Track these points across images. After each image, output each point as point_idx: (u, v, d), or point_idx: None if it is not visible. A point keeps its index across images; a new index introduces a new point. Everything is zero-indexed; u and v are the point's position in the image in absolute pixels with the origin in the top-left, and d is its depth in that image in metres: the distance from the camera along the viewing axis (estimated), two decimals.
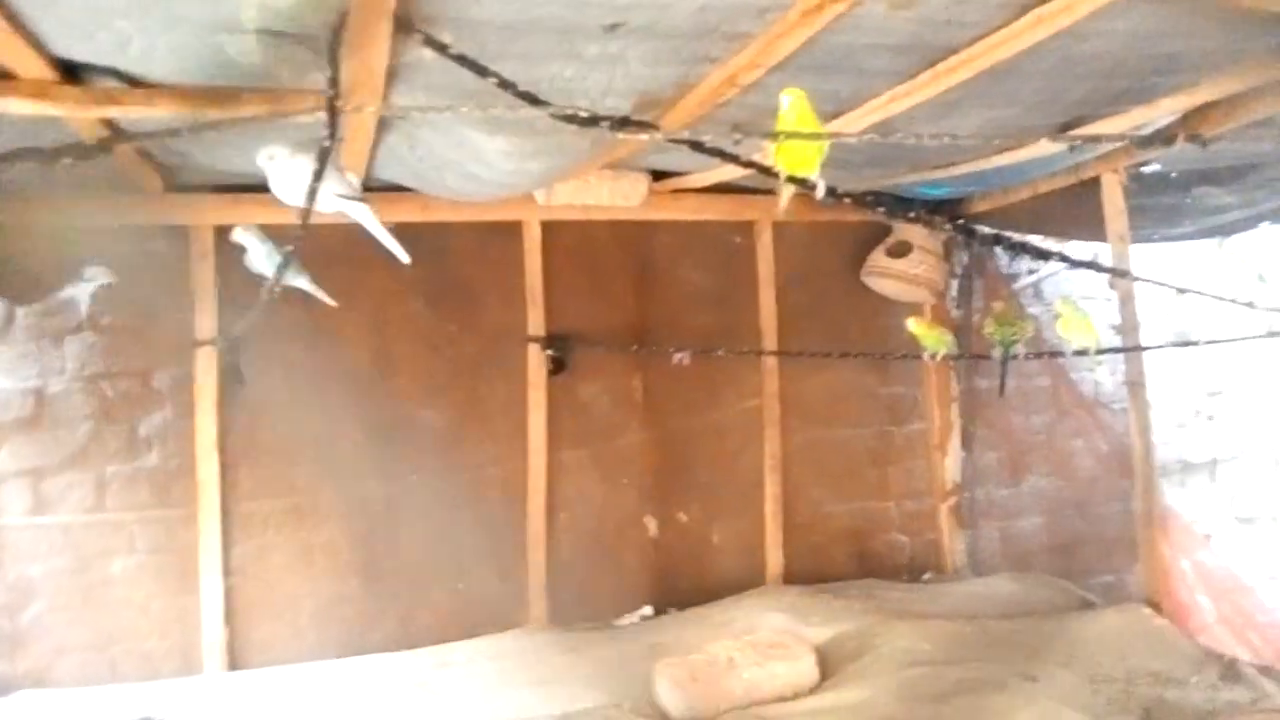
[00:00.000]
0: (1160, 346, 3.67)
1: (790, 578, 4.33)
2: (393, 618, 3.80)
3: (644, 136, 1.82)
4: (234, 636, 3.57)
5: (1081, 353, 3.35)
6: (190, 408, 3.56)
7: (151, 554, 3.54)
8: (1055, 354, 3.69)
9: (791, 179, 1.88)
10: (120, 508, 3.53)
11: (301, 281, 3.20)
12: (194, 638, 3.53)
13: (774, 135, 1.87)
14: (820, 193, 1.84)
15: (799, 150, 1.88)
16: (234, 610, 3.58)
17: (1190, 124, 2.81)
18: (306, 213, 2.16)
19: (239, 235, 3.21)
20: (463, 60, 1.81)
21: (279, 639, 3.64)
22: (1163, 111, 2.73)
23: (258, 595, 3.64)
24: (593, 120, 1.74)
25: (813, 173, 1.88)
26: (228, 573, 3.58)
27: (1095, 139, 2.42)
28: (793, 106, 1.86)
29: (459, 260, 3.97)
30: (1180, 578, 3.68)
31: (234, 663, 3.56)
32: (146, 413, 3.57)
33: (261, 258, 3.16)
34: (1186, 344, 3.62)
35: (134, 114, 2.30)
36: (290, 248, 2.26)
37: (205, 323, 3.56)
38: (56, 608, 3.43)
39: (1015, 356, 3.35)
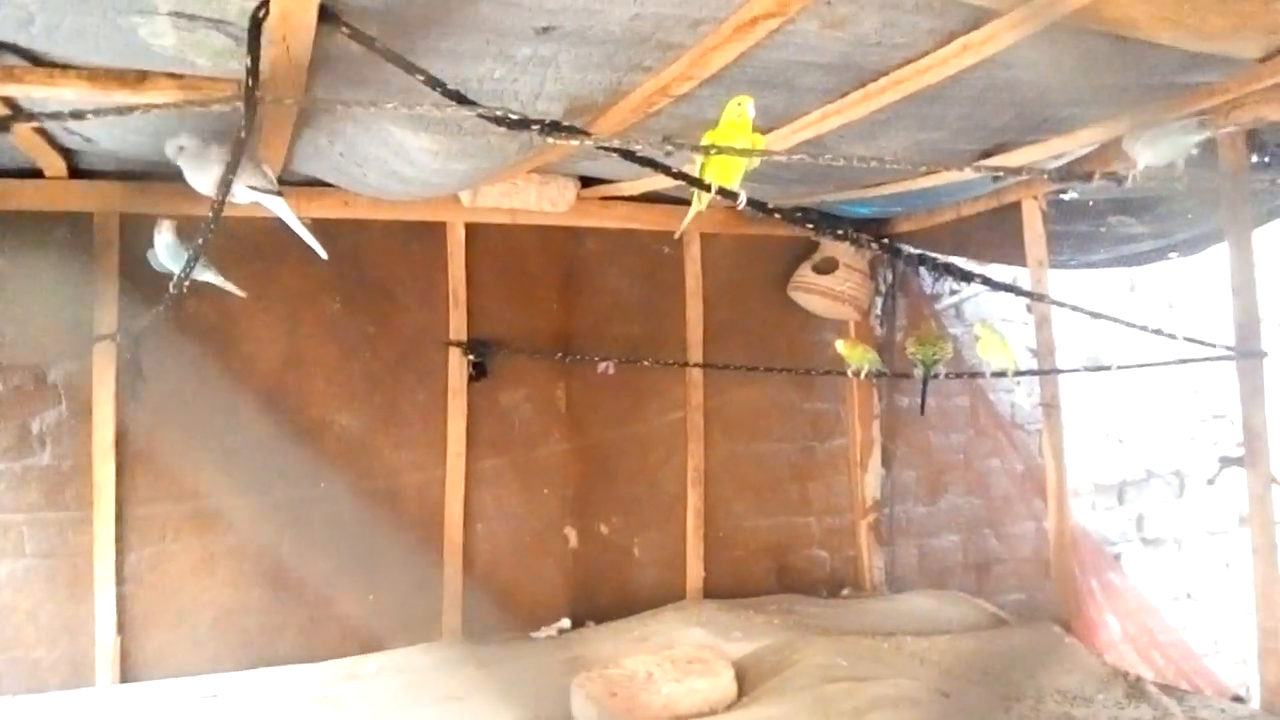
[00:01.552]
0: (1074, 370, 3.77)
1: (711, 592, 4.32)
2: (298, 628, 3.67)
3: (574, 142, 1.77)
4: (128, 646, 3.39)
5: (1000, 374, 3.43)
6: (87, 405, 3.38)
7: (41, 558, 3.34)
8: (974, 374, 3.77)
9: (719, 190, 1.87)
10: (9, 508, 3.32)
11: (209, 275, 3.03)
12: (85, 647, 3.35)
13: (705, 149, 1.85)
14: (741, 203, 1.83)
15: (727, 162, 1.87)
16: (128, 619, 3.41)
17: (1107, 156, 2.89)
18: (219, 205, 2.08)
19: (160, 231, 3.04)
20: (389, 55, 1.74)
21: (176, 649, 3.48)
22: (1081, 142, 2.80)
23: (154, 603, 3.47)
24: (522, 123, 1.69)
25: (734, 184, 1.88)
26: (122, 580, 3.41)
27: (1014, 171, 2.46)
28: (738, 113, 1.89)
29: (379, 260, 3.87)
30: (1089, 597, 3.77)
31: (127, 674, 3.38)
32: (40, 409, 3.38)
33: (170, 253, 3.01)
34: (1100, 368, 3.72)
35: (35, 93, 2.18)
36: (200, 240, 2.15)
37: (106, 316, 3.39)
38: None
39: (936, 376, 3.40)
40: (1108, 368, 3.57)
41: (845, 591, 4.61)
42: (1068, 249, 4.03)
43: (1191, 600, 5.37)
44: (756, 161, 1.91)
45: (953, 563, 4.88)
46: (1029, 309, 4.68)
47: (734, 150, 1.87)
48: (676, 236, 2.11)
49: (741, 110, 1.92)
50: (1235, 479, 3.15)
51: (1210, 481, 3.52)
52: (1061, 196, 3.68)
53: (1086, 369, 3.78)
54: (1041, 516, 4.11)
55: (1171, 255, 4.30)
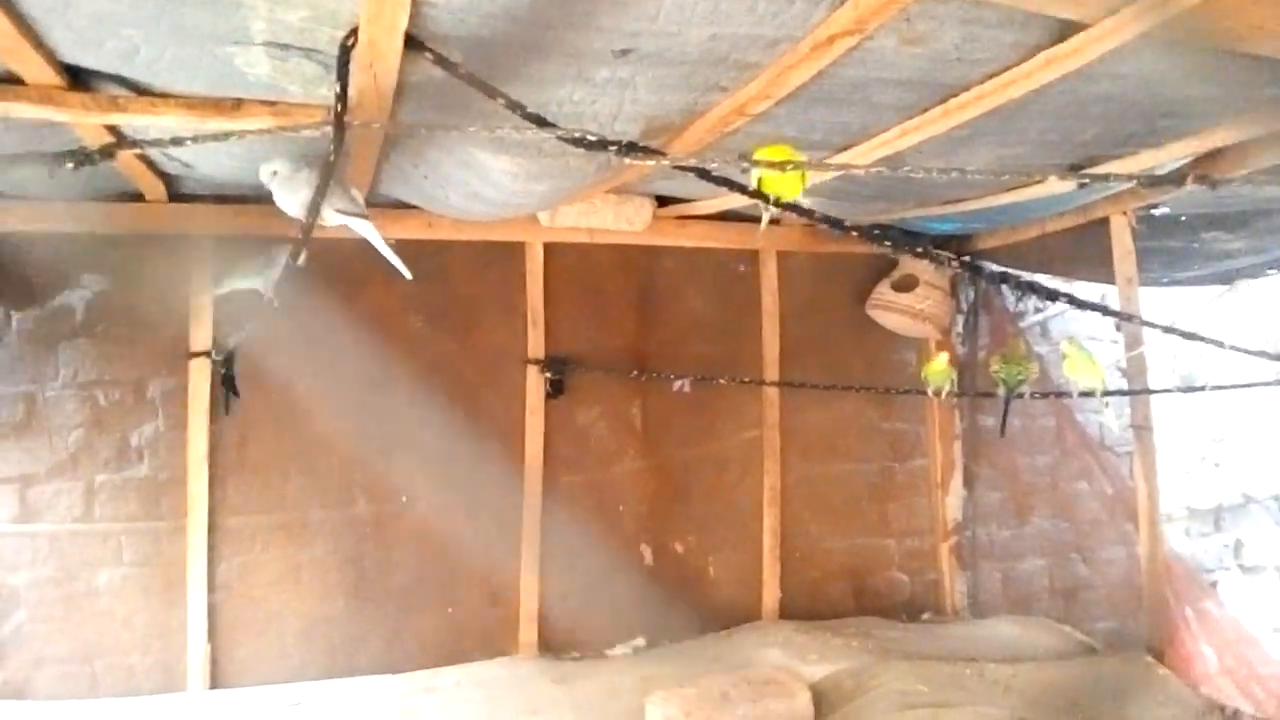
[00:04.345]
0: (1167, 390, 3.63)
1: (786, 613, 4.27)
2: (379, 640, 3.74)
3: (650, 163, 1.79)
4: (217, 653, 3.51)
5: (1087, 394, 3.32)
6: (182, 419, 3.52)
7: (137, 566, 3.48)
8: (1061, 394, 3.65)
9: (785, 204, 1.88)
10: (108, 518, 3.48)
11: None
12: (177, 654, 3.47)
13: (781, 165, 1.85)
14: (801, 212, 1.85)
15: (781, 181, 1.88)
16: (218, 627, 3.53)
17: (1200, 168, 2.79)
18: (309, 226, 2.15)
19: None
20: (472, 80, 1.79)
21: (263, 658, 3.58)
22: (1171, 155, 2.71)
23: (243, 612, 3.58)
24: (600, 144, 1.71)
25: (797, 198, 1.89)
26: (213, 588, 3.53)
27: (1103, 178, 2.39)
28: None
29: (461, 279, 3.94)
30: (1184, 626, 3.62)
31: (216, 680, 3.50)
32: (138, 423, 3.53)
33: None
34: (1193, 389, 3.57)
35: (138, 121, 2.29)
36: (287, 261, 2.22)
37: (200, 333, 3.54)
38: (39, 618, 3.37)
39: (1020, 396, 3.32)
40: (1202, 388, 3.43)
41: (926, 616, 4.51)
42: (1159, 266, 3.90)
43: None
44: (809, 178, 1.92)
45: (1039, 588, 4.73)
46: (1118, 327, 4.53)
47: (812, 166, 1.87)
48: (763, 229, 2.17)
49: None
50: None
51: None
52: (1152, 212, 3.57)
53: (1180, 389, 3.64)
54: (1132, 542, 3.96)
55: (1270, 272, 4.14)
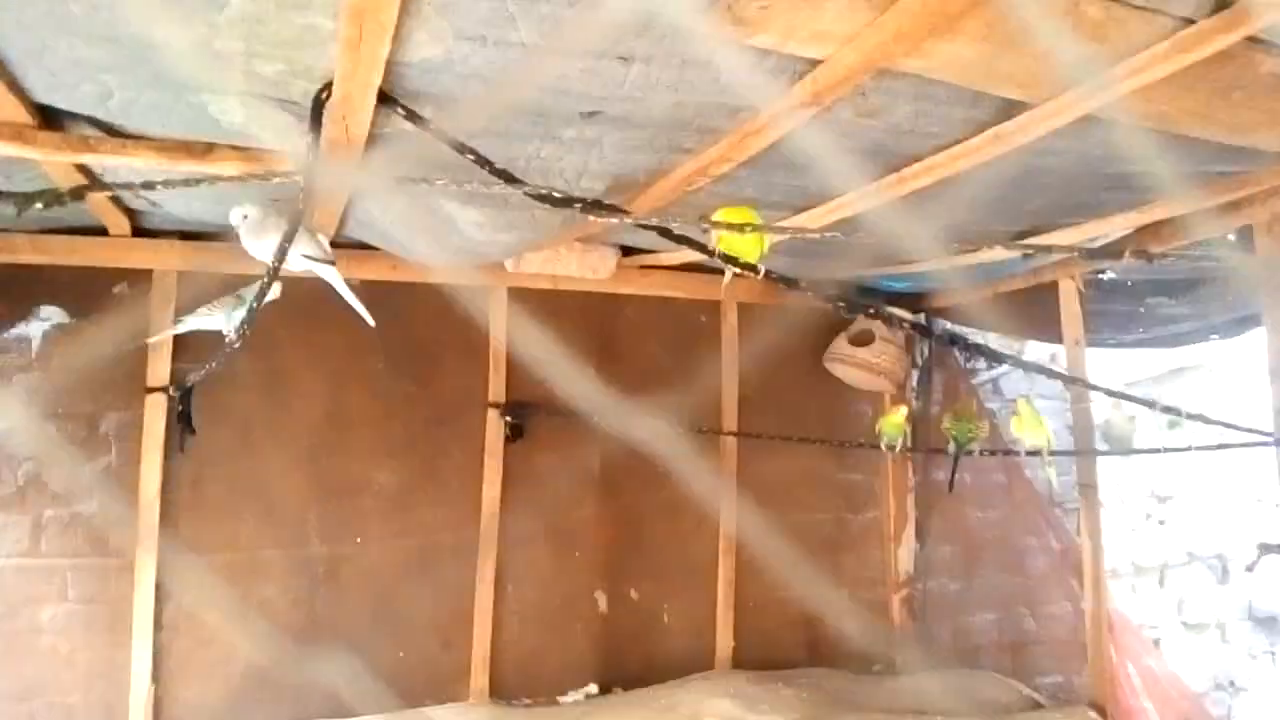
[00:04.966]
0: (1111, 452, 3.74)
1: (740, 662, 4.28)
2: (329, 684, 3.69)
3: (614, 220, 1.85)
4: (162, 694, 3.44)
5: (1034, 453, 3.41)
6: (135, 455, 3.49)
7: (83, 603, 3.42)
8: (1009, 452, 3.74)
9: (743, 265, 1.95)
10: (55, 553, 3.42)
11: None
12: (120, 694, 3.40)
13: (740, 227, 1.92)
14: (759, 275, 1.95)
15: (741, 242, 1.97)
16: (164, 667, 3.46)
17: (1141, 239, 2.92)
18: (274, 271, 2.17)
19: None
20: (441, 135, 1.84)
21: (209, 699, 3.52)
22: (1116, 226, 2.83)
23: (190, 653, 3.52)
24: (566, 201, 1.77)
25: (755, 259, 2.01)
26: (160, 627, 3.47)
27: (1047, 249, 2.49)
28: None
29: (422, 321, 3.96)
30: (1127, 682, 3.69)
31: None
32: (90, 457, 3.48)
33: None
34: (1136, 451, 3.69)
35: (109, 161, 2.31)
36: (250, 304, 2.24)
37: (159, 368, 3.52)
38: None
39: (970, 453, 3.40)
40: (1145, 450, 3.55)
41: (876, 667, 4.53)
42: (1106, 328, 4.03)
43: (1235, 689, 5.22)
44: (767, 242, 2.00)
45: (987, 641, 4.79)
46: (1066, 387, 4.66)
47: (764, 228, 1.94)
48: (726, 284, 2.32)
49: None
50: (1275, 566, 3.10)
51: (1249, 569, 3.46)
52: (1100, 276, 3.70)
53: (1123, 451, 3.75)
54: (1078, 597, 4.04)
55: (1213, 337, 4.28)
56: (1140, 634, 4.24)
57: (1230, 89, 1.85)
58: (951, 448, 3.38)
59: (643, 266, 4.13)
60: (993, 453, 3.82)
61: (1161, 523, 5.20)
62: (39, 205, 1.76)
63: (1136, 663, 3.78)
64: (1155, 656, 4.03)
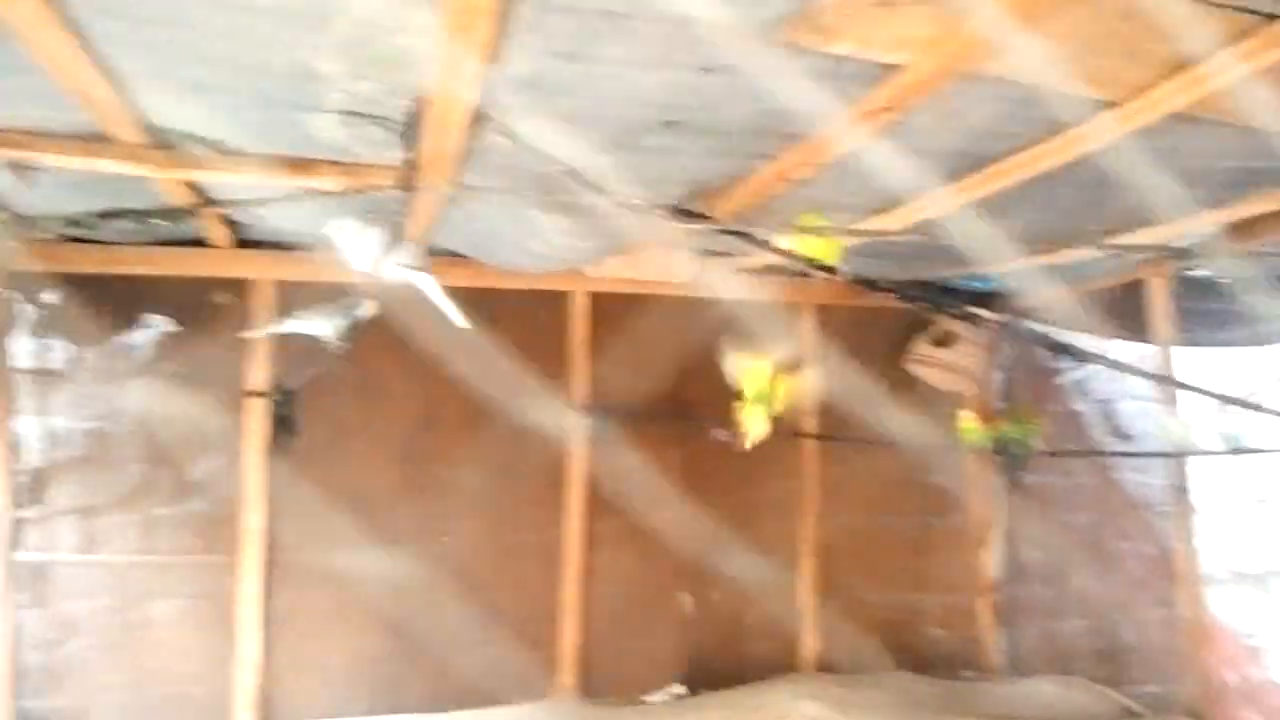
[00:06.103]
0: (1209, 452, 3.62)
1: (824, 666, 4.28)
2: (423, 678, 3.81)
3: (694, 226, 1.90)
4: (267, 686, 3.62)
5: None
6: (239, 456, 3.67)
7: (193, 598, 3.61)
8: (1098, 453, 3.67)
9: (821, 266, 1.98)
10: (166, 550, 3.62)
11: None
12: (228, 685, 3.58)
13: (818, 230, 1.95)
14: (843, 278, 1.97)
15: (822, 244, 2.00)
16: (268, 660, 3.63)
17: (1233, 236, 2.84)
18: (376, 281, 2.27)
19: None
20: (533, 149, 1.91)
21: (311, 692, 3.68)
22: (1204, 223, 2.76)
23: (292, 646, 3.68)
24: (648, 208, 1.83)
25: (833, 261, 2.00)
26: (265, 622, 3.64)
27: (1133, 249, 2.45)
28: None
29: (507, 326, 4.04)
30: (1227, 692, 3.58)
31: (265, 713, 3.59)
32: (197, 459, 3.67)
33: (323, 323, 3.20)
34: (1238, 450, 3.56)
35: (216, 178, 2.45)
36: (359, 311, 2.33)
37: (258, 374, 3.69)
38: (97, 646, 3.51)
39: (1032, 453, 3.36)
40: (1247, 450, 3.43)
41: (965, 673, 4.48)
42: (1199, 327, 3.92)
43: None
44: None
45: (1079, 648, 4.68)
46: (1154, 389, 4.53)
47: (843, 231, 1.97)
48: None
49: None
50: None
51: None
52: (1190, 274, 3.60)
53: (1221, 451, 3.63)
54: (1174, 604, 3.93)
55: None
56: (1240, 642, 4.10)
57: None
58: (1014, 449, 3.35)
59: (723, 270, 4.15)
60: (1083, 454, 3.75)
61: (1265, 528, 5.01)
62: (157, 221, 1.89)
63: (1237, 672, 3.67)
64: (1256, 666, 3.90)
